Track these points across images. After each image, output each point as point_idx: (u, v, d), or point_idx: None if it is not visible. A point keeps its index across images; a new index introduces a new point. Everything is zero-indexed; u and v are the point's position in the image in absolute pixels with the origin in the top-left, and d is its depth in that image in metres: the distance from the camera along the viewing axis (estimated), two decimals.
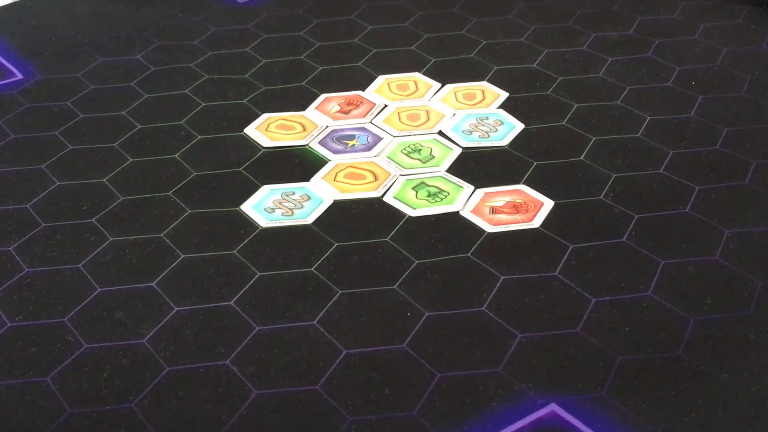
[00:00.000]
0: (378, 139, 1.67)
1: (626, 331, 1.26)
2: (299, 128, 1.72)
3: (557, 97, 1.79)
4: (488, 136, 1.66)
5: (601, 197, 1.52)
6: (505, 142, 1.66)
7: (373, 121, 1.73)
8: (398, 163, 1.61)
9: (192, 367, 1.22)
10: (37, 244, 1.45)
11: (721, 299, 1.31)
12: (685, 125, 1.71)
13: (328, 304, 1.32)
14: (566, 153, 1.64)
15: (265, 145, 1.68)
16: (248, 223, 1.48)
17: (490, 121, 1.70)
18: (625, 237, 1.43)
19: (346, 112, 1.76)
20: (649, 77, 1.86)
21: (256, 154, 1.65)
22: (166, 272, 1.38)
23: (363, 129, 1.70)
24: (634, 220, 1.46)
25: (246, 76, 1.91)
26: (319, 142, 1.67)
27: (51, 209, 1.53)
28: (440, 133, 1.69)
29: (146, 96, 1.84)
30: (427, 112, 1.75)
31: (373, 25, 2.09)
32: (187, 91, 1.86)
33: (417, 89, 1.83)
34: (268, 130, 1.72)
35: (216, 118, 1.77)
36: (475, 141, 1.65)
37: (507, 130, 1.69)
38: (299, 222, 1.48)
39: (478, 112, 1.74)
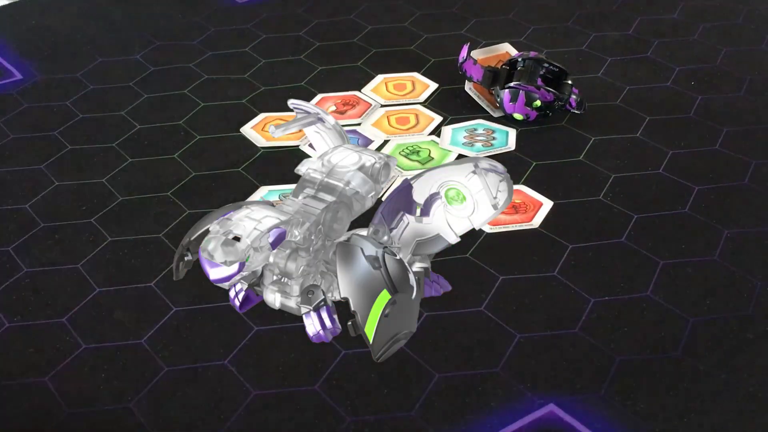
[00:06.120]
0: (368, 142, 1.67)
1: (625, 331, 1.26)
2: None
3: None
4: (491, 145, 1.65)
5: (600, 197, 1.52)
6: (511, 145, 1.65)
7: (363, 124, 1.72)
8: (397, 165, 1.60)
9: (190, 368, 1.22)
10: (35, 244, 1.45)
11: (721, 299, 1.31)
12: (684, 125, 1.71)
13: None
14: (565, 153, 1.63)
15: (260, 144, 1.67)
16: None
17: (480, 131, 1.69)
18: (624, 237, 1.43)
19: (342, 112, 1.76)
20: (649, 77, 1.86)
21: (255, 154, 1.65)
22: (165, 272, 1.38)
23: (354, 132, 1.70)
24: (633, 220, 1.46)
25: (245, 76, 1.91)
26: (309, 145, 1.66)
27: (50, 209, 1.53)
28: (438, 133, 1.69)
29: (145, 96, 1.84)
30: (417, 116, 1.74)
31: (373, 25, 2.09)
32: (186, 91, 1.86)
33: (414, 89, 1.83)
34: (264, 130, 1.71)
35: (215, 118, 1.77)
36: (483, 151, 1.63)
37: (503, 136, 1.67)
38: None
39: (466, 125, 1.72)
